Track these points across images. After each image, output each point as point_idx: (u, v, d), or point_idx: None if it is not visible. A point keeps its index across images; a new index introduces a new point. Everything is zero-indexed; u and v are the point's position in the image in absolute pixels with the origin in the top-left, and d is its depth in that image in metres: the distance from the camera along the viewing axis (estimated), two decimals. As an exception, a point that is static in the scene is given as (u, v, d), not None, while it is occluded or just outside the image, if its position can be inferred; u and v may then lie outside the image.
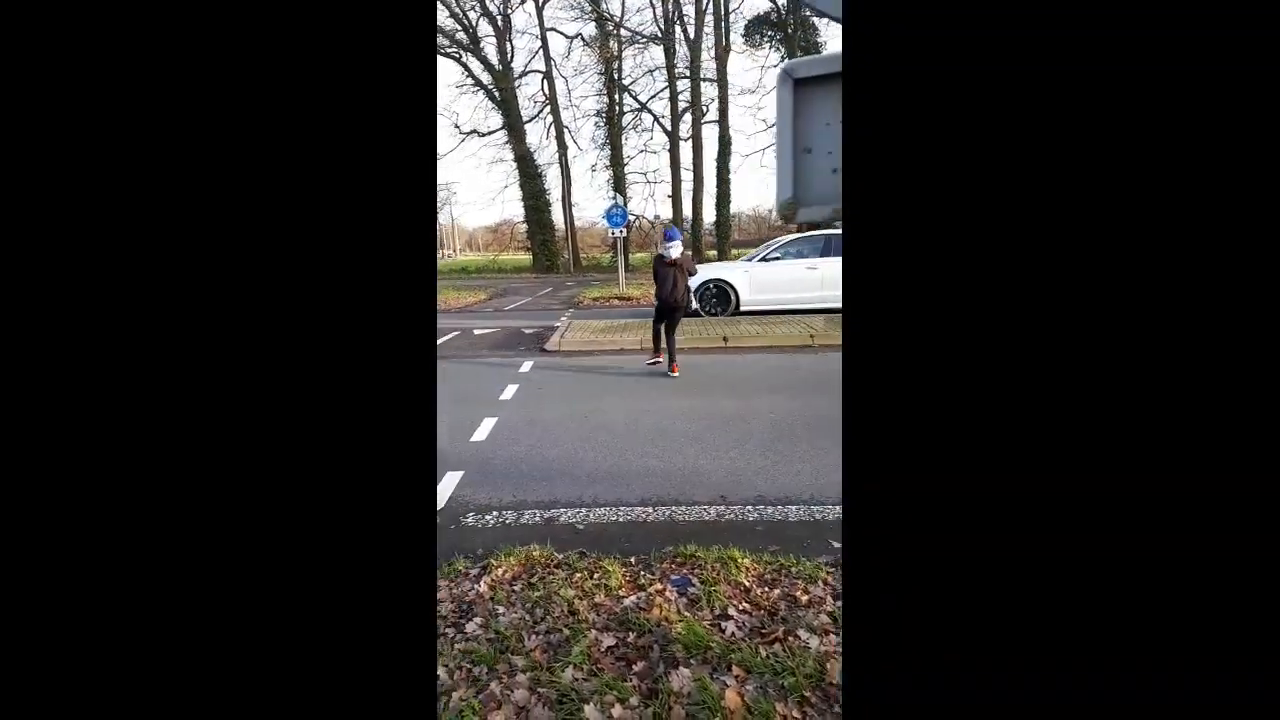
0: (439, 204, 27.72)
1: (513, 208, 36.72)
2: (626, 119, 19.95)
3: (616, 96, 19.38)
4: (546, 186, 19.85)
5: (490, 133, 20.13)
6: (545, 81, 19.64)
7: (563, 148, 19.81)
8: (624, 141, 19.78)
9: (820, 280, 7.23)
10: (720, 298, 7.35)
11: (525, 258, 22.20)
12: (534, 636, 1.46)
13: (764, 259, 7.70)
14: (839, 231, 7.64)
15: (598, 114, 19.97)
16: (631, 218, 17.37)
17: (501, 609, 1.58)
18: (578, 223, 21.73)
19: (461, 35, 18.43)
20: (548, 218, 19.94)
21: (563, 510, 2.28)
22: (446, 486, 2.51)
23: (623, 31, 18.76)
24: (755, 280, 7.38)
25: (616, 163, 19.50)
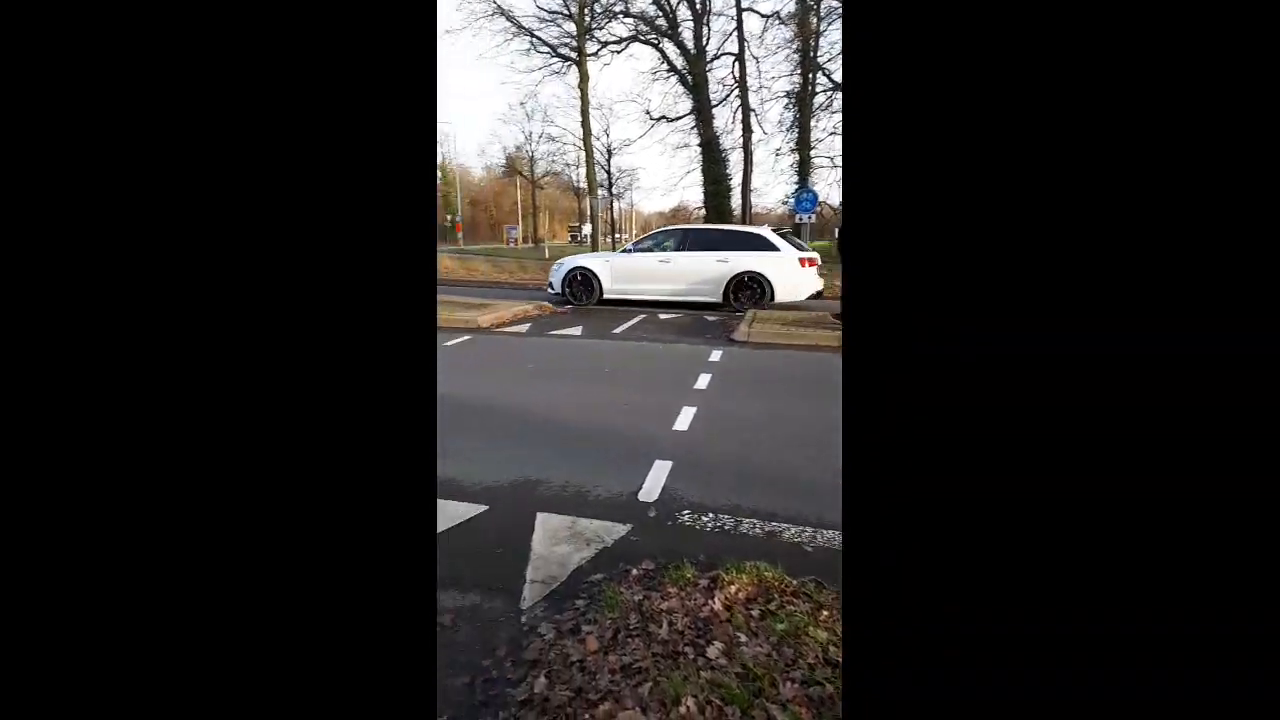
0: (621, 190, 28.91)
1: (690, 193, 36.98)
2: (819, 100, 18.74)
3: (811, 76, 18.26)
4: (728, 171, 19.56)
5: (679, 118, 20.30)
6: (736, 63, 19.20)
7: (747, 131, 19.24)
8: (814, 123, 18.64)
9: (672, 273, 7.23)
10: (585, 285, 7.60)
11: (699, 243, 22.13)
12: (790, 684, 1.26)
13: (626, 250, 7.89)
14: (692, 226, 8.18)
15: (787, 95, 19.05)
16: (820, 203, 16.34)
17: (743, 637, 1.41)
18: (754, 208, 21.09)
19: (661, 21, 18.72)
20: (727, 203, 19.64)
21: (784, 525, 2.06)
22: (658, 476, 2.43)
23: (824, 4, 17.54)
24: (615, 270, 7.56)
25: (804, 145, 18.47)
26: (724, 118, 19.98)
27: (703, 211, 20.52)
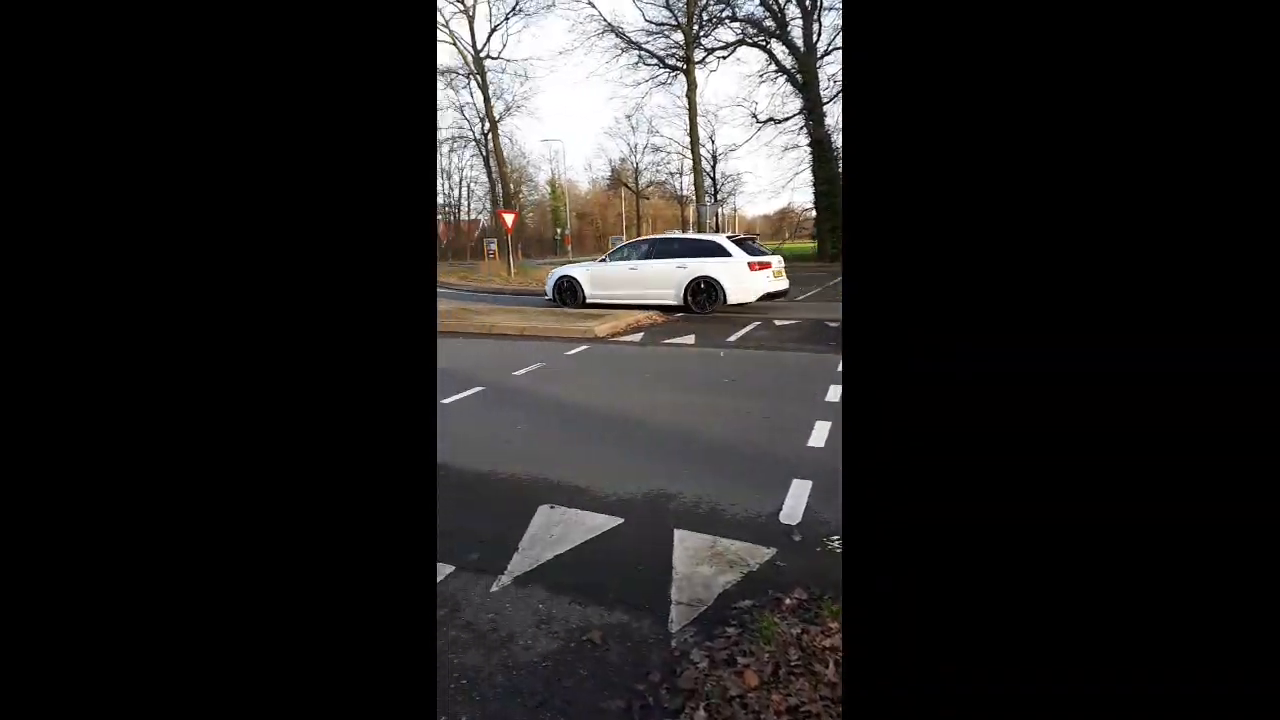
0: (725, 196, 28.63)
1: (799, 195, 35.78)
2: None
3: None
4: (840, 169, 18.69)
5: (787, 118, 19.76)
6: (851, 56, 18.28)
7: (864, 127, 18.25)
8: (939, 113, 17.26)
9: (640, 279, 8.01)
10: (570, 291, 8.57)
11: (807, 245, 21.39)
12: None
13: (602, 260, 8.79)
14: (658, 236, 9.74)
15: (909, 85, 17.82)
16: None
17: (927, 689, 1.25)
18: (871, 208, 19.88)
19: (769, 22, 18.36)
20: (839, 203, 18.76)
21: (952, 559, 1.84)
22: (799, 497, 2.29)
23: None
24: (594, 278, 8.48)
25: (928, 138, 17.17)
26: (836, 115, 19.11)
27: (812, 212, 19.77)
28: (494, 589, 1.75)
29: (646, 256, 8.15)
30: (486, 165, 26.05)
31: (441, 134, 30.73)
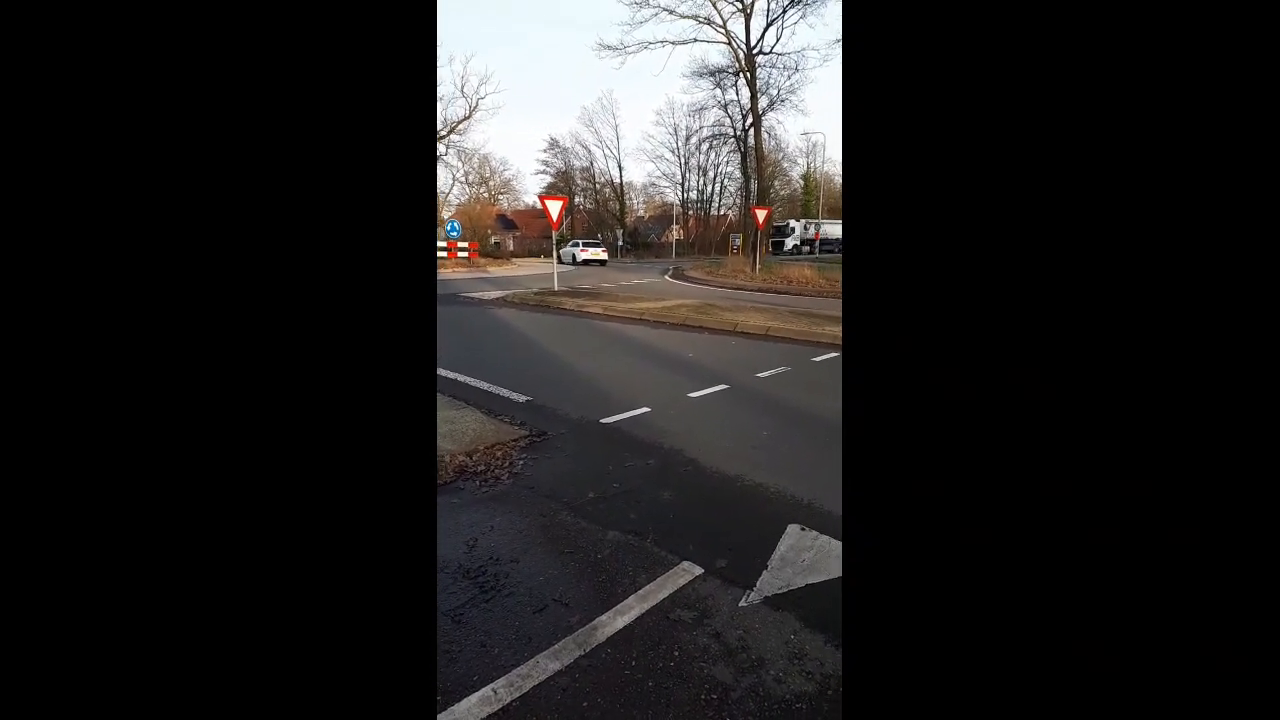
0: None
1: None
2: None
3: None
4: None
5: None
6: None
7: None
8: None
9: (572, 254, 24.21)
10: (572, 258, 23.14)
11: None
12: None
13: (579, 245, 25.36)
14: (582, 238, 28.55)
15: None
16: None
17: None
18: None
19: None
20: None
21: None
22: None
23: None
24: (576, 252, 24.00)
25: None
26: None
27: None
28: (742, 604, 1.72)
29: (576, 244, 23.53)
30: (743, 161, 26.35)
31: (703, 132, 31.91)
